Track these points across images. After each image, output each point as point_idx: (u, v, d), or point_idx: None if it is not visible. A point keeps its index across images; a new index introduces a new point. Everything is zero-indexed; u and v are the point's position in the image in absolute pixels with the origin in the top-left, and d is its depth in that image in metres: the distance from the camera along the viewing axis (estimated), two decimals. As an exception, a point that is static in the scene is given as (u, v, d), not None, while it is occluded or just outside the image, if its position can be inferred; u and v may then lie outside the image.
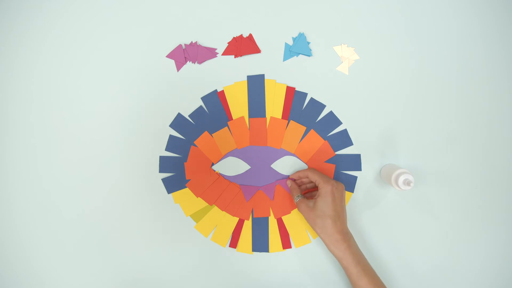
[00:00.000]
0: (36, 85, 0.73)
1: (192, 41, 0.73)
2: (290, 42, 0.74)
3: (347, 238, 0.64)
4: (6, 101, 0.73)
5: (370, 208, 0.73)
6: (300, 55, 0.74)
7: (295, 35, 0.74)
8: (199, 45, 0.73)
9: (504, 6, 0.73)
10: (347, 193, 0.73)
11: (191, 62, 0.73)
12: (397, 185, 0.65)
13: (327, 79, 0.73)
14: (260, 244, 0.73)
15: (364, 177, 0.73)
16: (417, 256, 0.74)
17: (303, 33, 0.73)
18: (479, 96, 0.73)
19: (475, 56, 0.73)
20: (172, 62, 0.73)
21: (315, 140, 0.73)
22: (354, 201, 0.73)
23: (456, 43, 0.73)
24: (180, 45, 0.73)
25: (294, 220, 0.73)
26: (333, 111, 0.73)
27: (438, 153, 0.73)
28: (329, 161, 0.73)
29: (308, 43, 0.73)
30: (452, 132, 0.73)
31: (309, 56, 0.73)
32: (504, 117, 0.73)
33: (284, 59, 0.74)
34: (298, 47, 0.73)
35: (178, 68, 0.73)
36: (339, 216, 0.64)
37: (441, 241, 0.73)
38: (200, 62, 0.73)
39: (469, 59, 0.73)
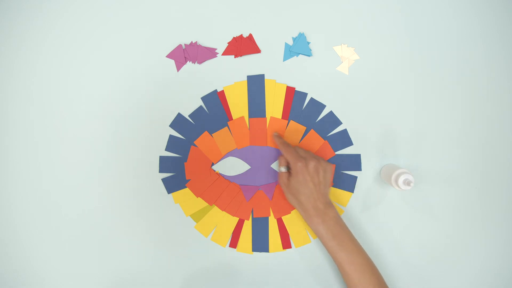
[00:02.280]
0: (36, 85, 0.73)
1: (192, 41, 0.73)
2: (290, 42, 0.74)
3: (321, 213, 0.64)
4: (6, 101, 0.73)
5: (370, 208, 0.73)
6: (300, 55, 0.74)
7: (295, 35, 0.74)
8: (199, 45, 0.73)
9: (504, 6, 0.73)
10: (347, 193, 0.73)
11: (191, 62, 0.73)
12: (397, 185, 0.65)
13: (327, 79, 0.73)
14: (260, 244, 0.73)
15: (364, 177, 0.73)
16: (417, 256, 0.74)
17: (303, 33, 0.73)
18: (479, 96, 0.73)
19: (475, 56, 0.73)
20: (172, 62, 0.73)
21: (315, 140, 0.73)
22: (355, 200, 0.73)
23: (456, 43, 0.73)
24: (180, 45, 0.73)
25: (294, 220, 0.73)
26: (333, 111, 0.73)
27: (438, 153, 0.73)
28: (329, 161, 0.73)
29: (308, 43, 0.73)
30: (452, 132, 0.73)
31: (309, 56, 0.73)
32: (504, 117, 0.73)
33: (284, 59, 0.74)
34: (298, 47, 0.73)
35: (178, 68, 0.73)
36: (313, 193, 0.64)
37: (441, 241, 0.73)
38: (200, 62, 0.73)
39: (469, 59, 0.73)
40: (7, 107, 0.73)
